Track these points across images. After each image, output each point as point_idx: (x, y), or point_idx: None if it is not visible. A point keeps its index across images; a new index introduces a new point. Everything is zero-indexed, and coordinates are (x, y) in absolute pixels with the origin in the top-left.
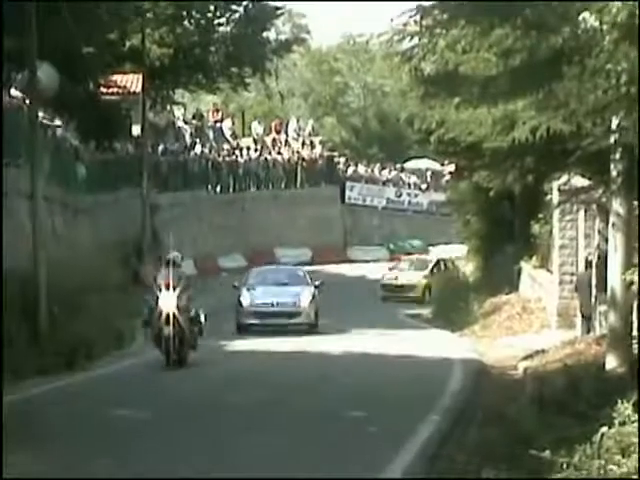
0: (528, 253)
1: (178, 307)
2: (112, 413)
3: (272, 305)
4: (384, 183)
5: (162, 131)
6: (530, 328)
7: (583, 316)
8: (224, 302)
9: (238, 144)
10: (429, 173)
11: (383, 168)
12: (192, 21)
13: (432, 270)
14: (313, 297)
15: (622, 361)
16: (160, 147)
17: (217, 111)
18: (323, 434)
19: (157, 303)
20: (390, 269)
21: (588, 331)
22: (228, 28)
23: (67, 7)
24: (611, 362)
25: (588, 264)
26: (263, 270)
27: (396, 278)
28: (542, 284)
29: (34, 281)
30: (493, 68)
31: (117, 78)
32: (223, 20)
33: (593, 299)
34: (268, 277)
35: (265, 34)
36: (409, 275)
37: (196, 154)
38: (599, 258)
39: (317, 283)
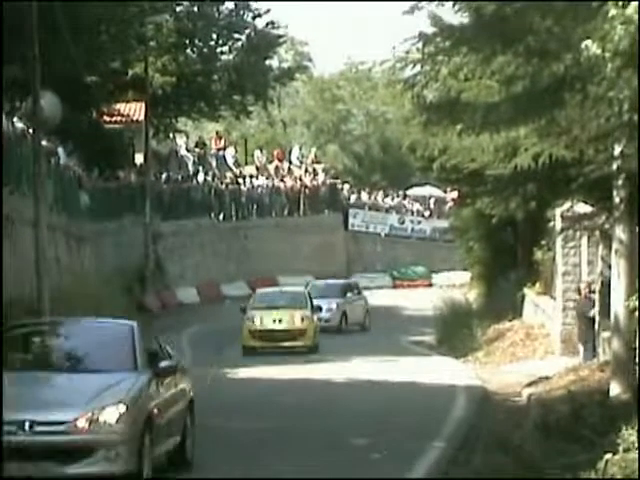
0: (531, 279)
1: None
2: None
3: (22, 429)
4: (387, 210)
5: (165, 159)
6: (534, 354)
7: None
8: (227, 327)
9: (241, 172)
10: (432, 200)
11: (386, 195)
12: (195, 49)
13: (312, 306)
14: (145, 415)
15: (626, 387)
16: (163, 175)
17: (220, 139)
18: (327, 461)
19: None
20: (253, 309)
21: (593, 357)
22: (230, 56)
23: (70, 36)
24: (615, 389)
25: (578, 291)
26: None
27: (279, 321)
28: (545, 310)
29: (38, 308)
30: (495, 95)
31: (120, 106)
32: (225, 48)
33: (597, 325)
34: (37, 357)
35: (267, 62)
36: (290, 315)
37: (199, 182)
38: (602, 285)
39: (168, 364)
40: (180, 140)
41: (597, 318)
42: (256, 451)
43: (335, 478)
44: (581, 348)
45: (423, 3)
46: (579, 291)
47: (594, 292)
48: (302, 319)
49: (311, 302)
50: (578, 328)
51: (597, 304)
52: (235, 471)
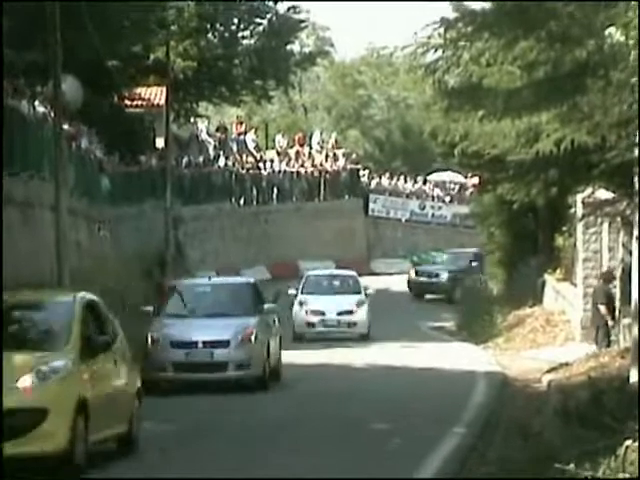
0: (552, 266)
1: None
2: None
3: None
4: (408, 196)
5: (186, 144)
6: (554, 341)
7: (598, 328)
8: None
9: (262, 157)
10: (453, 185)
11: (406, 181)
12: (216, 34)
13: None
14: None
15: None
16: (184, 160)
17: (241, 124)
18: (347, 447)
19: None
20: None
21: (608, 344)
22: (252, 41)
23: (91, 20)
24: (634, 375)
25: (603, 276)
26: None
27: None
28: (566, 297)
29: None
30: (517, 81)
31: (141, 91)
32: (247, 33)
33: (617, 312)
34: None
35: (289, 47)
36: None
37: (219, 167)
38: (623, 271)
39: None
40: (201, 124)
41: (618, 305)
42: (275, 436)
43: (354, 463)
44: (594, 335)
45: None
46: (602, 277)
47: (614, 279)
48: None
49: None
50: (592, 314)
51: (618, 290)
52: (248, 456)
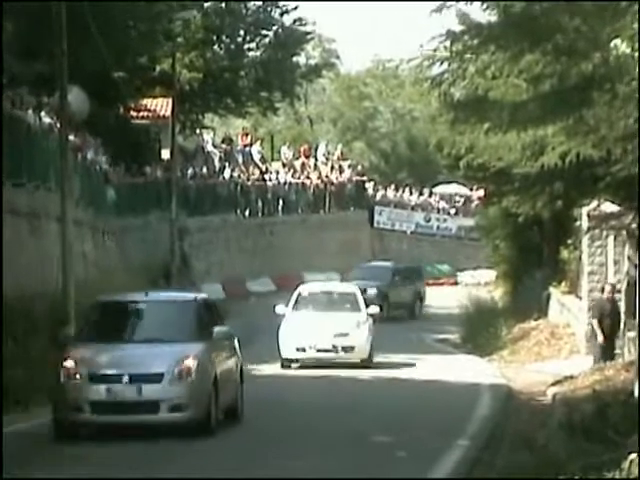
0: (557, 279)
1: None
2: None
3: None
4: (413, 208)
5: (191, 155)
6: (559, 354)
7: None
8: (252, 323)
9: (267, 168)
10: (458, 198)
11: (412, 193)
12: (222, 46)
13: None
14: None
15: None
16: (189, 171)
17: (246, 135)
18: (351, 459)
19: None
20: None
21: (609, 358)
22: (258, 53)
23: (98, 31)
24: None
25: (602, 290)
26: None
27: None
28: (571, 310)
29: (63, 304)
30: (523, 93)
31: (147, 102)
32: (253, 45)
33: (622, 325)
34: None
35: (295, 59)
36: None
37: (225, 178)
38: (628, 284)
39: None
40: (207, 136)
41: (623, 318)
42: (276, 448)
43: (358, 476)
44: (593, 349)
45: (451, 2)
46: (602, 290)
47: (619, 292)
48: None
49: None
50: (591, 328)
51: (623, 304)
52: (250, 469)
